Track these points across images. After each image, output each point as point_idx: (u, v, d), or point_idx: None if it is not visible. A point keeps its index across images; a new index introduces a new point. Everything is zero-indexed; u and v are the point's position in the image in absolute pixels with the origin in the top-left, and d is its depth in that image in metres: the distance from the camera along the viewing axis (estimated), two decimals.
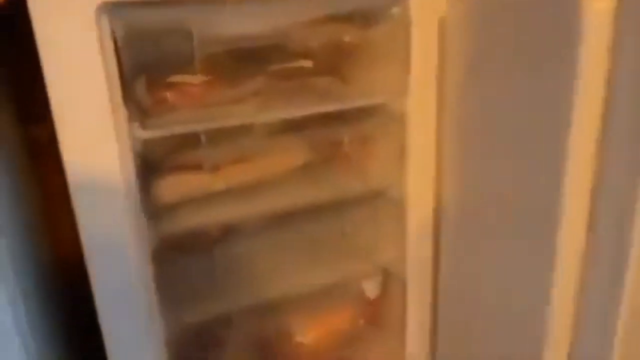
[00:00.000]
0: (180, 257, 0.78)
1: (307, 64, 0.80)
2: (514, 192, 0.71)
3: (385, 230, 0.92)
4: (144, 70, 0.67)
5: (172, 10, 0.65)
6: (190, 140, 0.73)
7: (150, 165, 0.71)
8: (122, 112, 0.64)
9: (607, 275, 0.63)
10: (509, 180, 0.72)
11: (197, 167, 0.76)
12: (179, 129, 0.70)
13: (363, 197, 0.90)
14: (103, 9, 0.60)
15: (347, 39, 0.82)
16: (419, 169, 0.85)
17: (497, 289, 0.78)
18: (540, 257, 0.68)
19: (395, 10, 0.79)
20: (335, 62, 0.82)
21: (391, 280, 0.95)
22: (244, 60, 0.76)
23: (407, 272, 0.91)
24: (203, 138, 0.72)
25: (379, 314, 0.97)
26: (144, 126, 0.66)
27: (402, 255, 0.91)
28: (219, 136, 0.75)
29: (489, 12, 0.71)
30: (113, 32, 0.62)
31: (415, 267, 0.91)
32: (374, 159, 0.91)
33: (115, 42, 0.62)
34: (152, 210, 0.72)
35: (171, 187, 0.75)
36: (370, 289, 0.95)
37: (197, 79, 0.71)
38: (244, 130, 0.78)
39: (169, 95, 0.69)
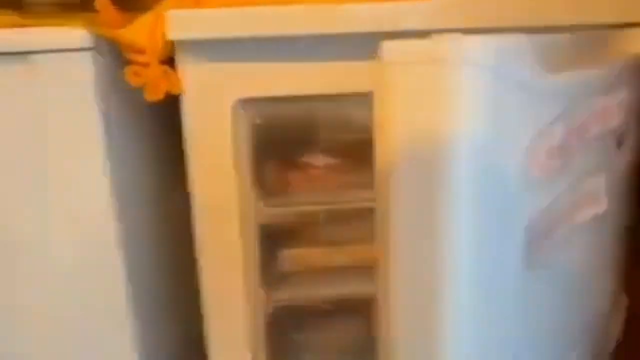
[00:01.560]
0: (294, 326, 0.83)
1: None
2: None
3: None
4: (272, 153, 0.75)
5: (301, 103, 0.73)
6: (312, 217, 0.79)
7: (272, 237, 0.78)
8: (248, 190, 0.72)
9: None
10: None
11: (316, 242, 0.82)
12: (298, 209, 0.76)
13: None
14: (240, 104, 0.69)
15: None
16: None
17: None
18: None
19: None
20: None
21: None
22: (368, 146, 0.80)
23: None
24: (322, 217, 0.77)
25: None
26: (266, 204, 0.74)
27: None
28: (340, 215, 0.80)
29: None
30: (249, 121, 0.71)
31: None
32: None
33: (252, 130, 0.71)
34: (270, 278, 0.79)
35: (291, 258, 0.81)
36: None
37: (321, 161, 0.78)
38: (365, 212, 0.81)
39: (292, 177, 0.77)
